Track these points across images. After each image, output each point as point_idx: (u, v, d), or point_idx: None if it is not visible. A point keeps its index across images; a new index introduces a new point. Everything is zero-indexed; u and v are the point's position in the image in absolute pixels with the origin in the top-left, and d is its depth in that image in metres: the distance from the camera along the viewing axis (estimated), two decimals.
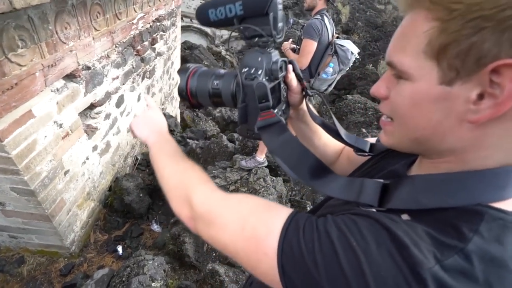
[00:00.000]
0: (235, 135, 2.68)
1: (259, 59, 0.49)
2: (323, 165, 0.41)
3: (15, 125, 1.24)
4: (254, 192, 1.92)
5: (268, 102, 0.46)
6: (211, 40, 8.82)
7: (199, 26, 8.59)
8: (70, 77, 1.58)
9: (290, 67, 0.53)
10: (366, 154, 0.52)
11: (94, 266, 2.01)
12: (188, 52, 5.73)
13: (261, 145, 2.32)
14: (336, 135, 0.54)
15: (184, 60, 4.53)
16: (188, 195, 0.45)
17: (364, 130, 3.86)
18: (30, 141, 1.34)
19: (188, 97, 0.56)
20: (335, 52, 2.08)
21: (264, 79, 0.48)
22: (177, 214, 0.48)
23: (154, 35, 2.61)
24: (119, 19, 1.93)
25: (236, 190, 1.99)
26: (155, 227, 2.27)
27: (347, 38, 2.15)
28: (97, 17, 1.67)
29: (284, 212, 0.35)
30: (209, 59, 7.72)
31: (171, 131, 3.13)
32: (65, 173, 1.68)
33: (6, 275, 1.86)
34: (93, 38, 1.68)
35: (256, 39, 0.49)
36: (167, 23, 2.88)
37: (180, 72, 0.56)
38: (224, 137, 2.55)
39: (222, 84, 0.52)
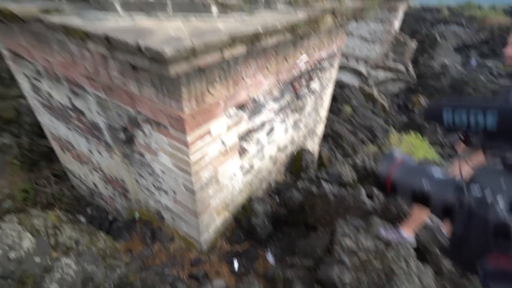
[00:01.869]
0: (375, 190, 2.30)
1: (501, 181, 0.38)
2: None
3: (198, 138, 1.61)
4: (391, 273, 1.50)
5: (510, 243, 0.34)
6: (364, 80, 8.56)
7: (354, 66, 8.61)
8: (241, 106, 1.92)
9: None
10: None
11: (213, 269, 2.26)
12: (338, 91, 5.79)
13: (411, 218, 1.76)
14: None
15: (333, 98, 4.58)
16: None
17: None
18: (203, 151, 1.70)
19: (385, 185, 0.54)
20: None
21: (505, 211, 0.36)
22: None
23: (312, 75, 2.79)
24: (286, 61, 2.20)
25: (367, 261, 1.63)
26: (270, 258, 2.27)
27: None
28: (271, 60, 1.97)
29: None
30: (359, 99, 7.45)
31: (306, 167, 3.12)
32: (217, 183, 2.01)
33: (161, 246, 2.43)
34: (264, 77, 1.98)
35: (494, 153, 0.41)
36: (325, 64, 3.02)
37: (384, 158, 0.56)
38: (363, 191, 2.22)
39: (434, 191, 0.46)
